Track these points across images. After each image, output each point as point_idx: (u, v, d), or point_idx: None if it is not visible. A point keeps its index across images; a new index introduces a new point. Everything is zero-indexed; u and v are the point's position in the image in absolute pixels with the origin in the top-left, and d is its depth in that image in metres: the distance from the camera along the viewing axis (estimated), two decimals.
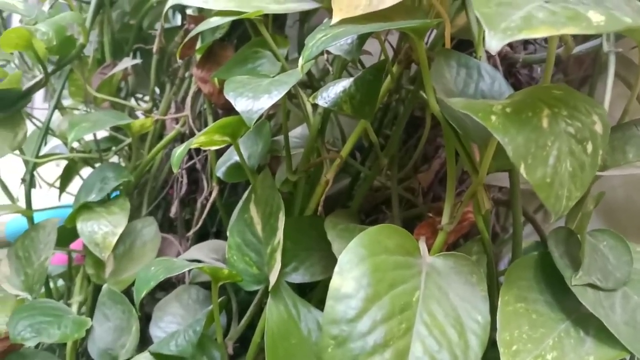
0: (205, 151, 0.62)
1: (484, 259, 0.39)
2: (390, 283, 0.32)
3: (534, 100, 0.29)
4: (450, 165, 0.39)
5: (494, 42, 0.23)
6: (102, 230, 0.56)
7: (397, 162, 0.52)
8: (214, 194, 0.59)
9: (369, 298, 0.31)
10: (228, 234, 0.49)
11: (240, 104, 0.38)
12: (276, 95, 0.38)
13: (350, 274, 0.31)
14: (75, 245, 0.70)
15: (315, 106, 0.48)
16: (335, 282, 0.31)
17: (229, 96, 0.39)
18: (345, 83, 0.39)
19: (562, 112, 0.29)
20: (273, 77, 0.42)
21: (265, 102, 0.38)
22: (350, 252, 0.32)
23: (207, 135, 0.46)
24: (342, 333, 0.30)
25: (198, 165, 0.62)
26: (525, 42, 0.52)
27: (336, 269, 0.32)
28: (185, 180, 0.62)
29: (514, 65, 0.49)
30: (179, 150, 0.44)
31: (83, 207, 0.58)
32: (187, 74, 0.66)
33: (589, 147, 0.28)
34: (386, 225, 0.34)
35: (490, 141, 0.34)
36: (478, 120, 0.28)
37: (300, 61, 0.35)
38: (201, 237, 0.68)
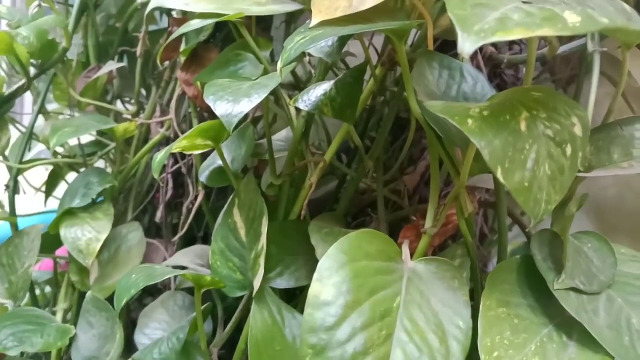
0: (190, 155, 0.62)
1: (468, 262, 0.39)
2: (371, 289, 0.31)
3: (512, 103, 0.28)
4: (434, 168, 0.39)
5: (467, 45, 0.22)
6: (85, 236, 0.55)
7: (382, 164, 0.51)
8: (199, 198, 0.58)
9: (348, 305, 0.30)
10: (212, 239, 0.48)
11: (220, 108, 0.38)
12: (256, 99, 0.37)
13: (329, 281, 0.31)
14: (62, 252, 0.69)
15: (299, 109, 0.48)
16: (314, 289, 0.31)
17: (209, 100, 0.39)
18: (325, 86, 0.38)
19: (541, 114, 0.28)
20: (254, 80, 0.41)
21: (245, 106, 0.37)
22: (330, 258, 0.32)
23: (189, 139, 0.45)
24: (321, 341, 0.29)
25: (184, 169, 0.61)
26: (511, 43, 0.52)
27: (315, 275, 0.31)
28: (170, 185, 0.61)
29: (499, 65, 0.49)
30: (160, 156, 0.44)
31: (66, 213, 0.57)
32: (172, 77, 0.66)
33: (568, 150, 0.28)
34: (367, 230, 0.34)
35: (470, 143, 0.33)
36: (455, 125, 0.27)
37: (279, 64, 0.34)
38: (188, 241, 0.67)
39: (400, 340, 0.30)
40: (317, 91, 0.38)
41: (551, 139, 0.28)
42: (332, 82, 0.38)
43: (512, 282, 0.34)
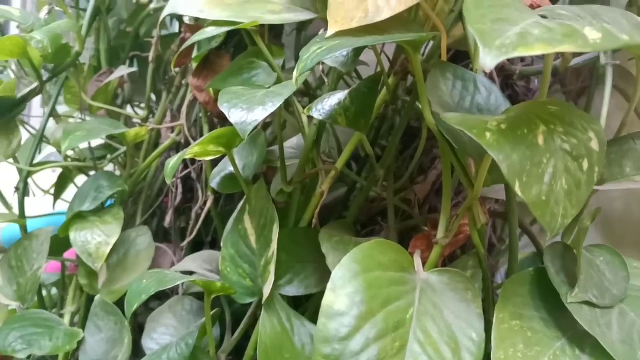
0: (200, 160, 0.62)
1: (480, 274, 0.39)
2: (384, 300, 0.31)
3: (529, 117, 0.29)
4: (446, 179, 0.39)
5: (489, 60, 0.22)
6: (95, 240, 0.55)
7: (393, 173, 0.51)
8: (208, 204, 0.58)
9: (362, 316, 0.30)
10: (222, 245, 0.48)
11: (235, 116, 0.38)
12: (271, 107, 0.38)
13: (343, 291, 0.31)
14: (70, 254, 0.69)
15: (310, 117, 0.48)
16: (328, 299, 0.31)
17: (223, 107, 0.39)
18: (340, 95, 0.38)
19: (558, 128, 0.28)
20: (268, 88, 0.41)
21: (259, 114, 0.38)
22: (343, 268, 0.32)
23: (201, 146, 0.46)
24: (334, 352, 0.29)
25: (193, 175, 0.62)
26: None
27: (329, 285, 0.31)
28: (180, 190, 0.62)
29: (511, 77, 0.49)
30: (173, 161, 0.44)
31: (76, 217, 0.58)
32: (183, 82, 0.66)
33: (585, 165, 0.28)
34: (380, 241, 0.34)
35: (485, 155, 0.33)
36: (473, 138, 0.27)
37: (295, 74, 0.34)
38: (196, 246, 0.67)
39: (413, 352, 0.30)
40: (332, 101, 0.38)
41: (568, 153, 0.28)
42: (346, 92, 0.38)
43: (525, 294, 0.34)
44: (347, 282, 0.31)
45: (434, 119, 0.36)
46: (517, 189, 0.26)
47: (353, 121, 0.38)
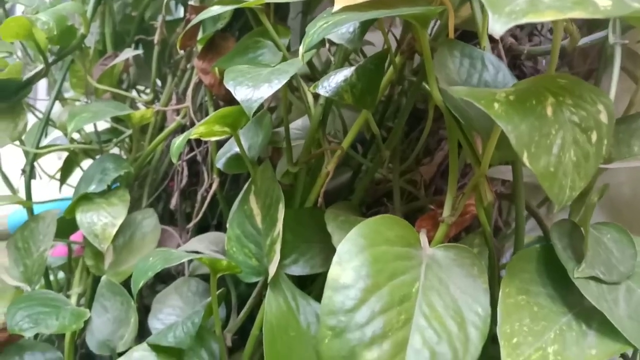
0: (206, 143, 0.62)
1: (486, 252, 0.39)
2: (390, 274, 0.31)
3: (538, 89, 0.28)
4: (453, 156, 0.39)
5: (498, 26, 0.22)
6: (101, 221, 0.56)
7: (399, 154, 0.51)
8: (214, 186, 0.58)
9: (368, 289, 0.30)
10: (228, 225, 0.48)
11: (240, 93, 0.38)
12: (276, 84, 0.37)
13: (349, 264, 0.31)
14: (76, 237, 0.70)
15: (316, 97, 0.48)
16: (334, 272, 0.31)
17: (229, 85, 0.39)
18: (346, 72, 0.38)
19: (567, 100, 0.28)
20: (274, 66, 0.41)
21: (265, 91, 0.37)
22: (349, 242, 0.32)
23: (207, 126, 0.46)
24: (340, 324, 0.29)
25: (199, 157, 0.62)
26: (530, 34, 0.51)
27: (335, 258, 0.31)
28: (185, 172, 0.62)
29: (519, 57, 0.49)
30: (178, 141, 0.44)
31: (82, 198, 0.58)
32: (188, 66, 0.66)
33: (594, 137, 0.28)
34: (387, 216, 0.34)
35: (493, 131, 0.33)
36: (481, 108, 0.27)
37: (301, 49, 0.34)
38: (202, 229, 0.67)
39: (419, 325, 0.30)
40: (338, 77, 0.38)
41: (577, 125, 0.28)
42: (352, 68, 0.38)
43: (532, 271, 0.34)
44: (353, 255, 0.31)
45: (441, 96, 0.36)
46: (525, 159, 0.26)
47: (359, 98, 0.37)
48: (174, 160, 0.42)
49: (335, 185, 0.60)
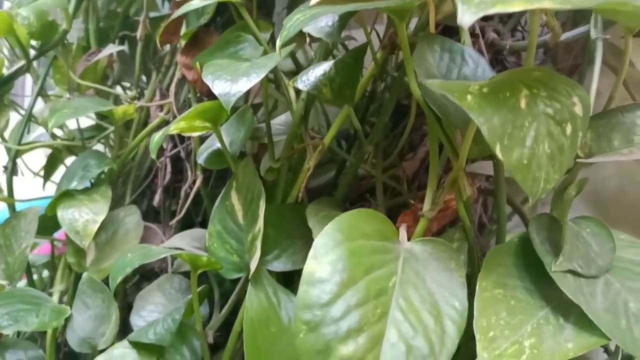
0: (189, 139, 0.61)
1: (466, 246, 0.39)
2: (367, 268, 0.31)
3: (512, 81, 0.28)
4: (433, 150, 0.38)
5: (467, 16, 0.22)
6: (83, 217, 0.55)
7: (382, 150, 0.51)
8: (197, 183, 0.58)
9: (344, 283, 0.30)
10: (209, 221, 0.48)
11: (218, 87, 0.38)
12: (255, 78, 0.37)
13: (325, 258, 0.31)
14: (61, 235, 0.69)
15: (298, 92, 0.47)
16: (310, 267, 0.30)
17: (207, 79, 0.39)
18: (325, 66, 0.38)
19: (541, 92, 0.28)
20: (253, 61, 0.41)
21: (243, 85, 0.37)
22: (326, 236, 0.31)
23: (187, 121, 0.45)
24: (315, 318, 0.29)
25: (182, 154, 0.61)
26: (513, 30, 0.51)
27: (310, 253, 0.31)
28: (169, 169, 0.61)
29: (501, 52, 0.49)
30: (157, 136, 0.43)
31: (64, 195, 0.57)
32: (173, 62, 0.65)
33: (568, 129, 0.28)
34: (364, 210, 0.34)
35: (469, 125, 0.33)
36: (454, 101, 0.27)
37: (278, 43, 0.34)
38: (186, 227, 0.67)
39: (395, 319, 0.30)
40: (317, 71, 0.38)
41: (551, 117, 0.27)
42: (331, 62, 0.38)
43: (509, 264, 0.34)
44: (330, 250, 0.31)
45: (420, 90, 0.36)
46: (498, 152, 0.26)
47: (338, 92, 0.37)
48: (153, 156, 0.42)
49: (319, 183, 0.60)
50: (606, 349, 0.53)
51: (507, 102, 0.27)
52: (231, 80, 0.38)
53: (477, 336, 0.30)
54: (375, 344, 0.29)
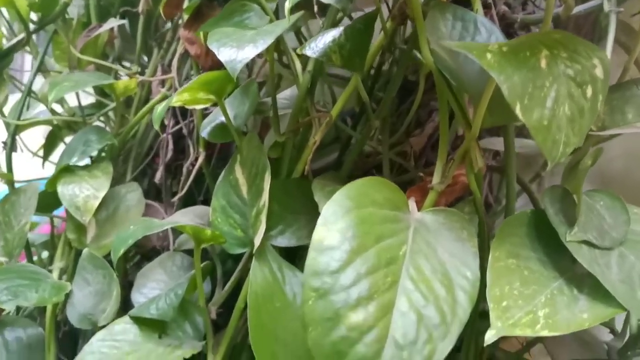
0: (192, 116, 0.60)
1: (476, 220, 0.38)
2: (377, 236, 0.30)
3: (532, 42, 0.27)
4: (443, 121, 0.37)
5: None
6: (83, 193, 0.54)
7: (389, 126, 0.50)
8: (200, 160, 0.57)
9: (353, 250, 0.29)
10: (213, 196, 0.47)
11: (224, 54, 0.37)
12: (262, 45, 0.36)
13: (334, 226, 0.30)
14: (61, 214, 0.68)
15: (305, 65, 0.46)
16: (319, 234, 0.30)
17: (212, 46, 0.38)
18: (335, 32, 0.37)
19: (562, 54, 0.27)
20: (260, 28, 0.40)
21: (250, 52, 0.36)
22: (335, 203, 0.31)
23: (191, 92, 0.44)
24: (324, 285, 0.28)
25: (185, 131, 0.60)
26: (524, 3, 0.50)
27: (320, 220, 0.30)
28: (171, 146, 0.60)
29: (512, 25, 0.48)
30: (160, 108, 0.42)
31: (64, 170, 0.56)
32: (175, 37, 0.64)
33: (589, 92, 0.27)
34: (374, 178, 0.33)
35: (484, 93, 0.32)
36: (472, 64, 0.26)
37: (287, 5, 0.33)
38: (188, 206, 0.66)
39: (405, 288, 0.29)
40: (326, 38, 0.37)
41: (572, 79, 0.27)
42: (341, 29, 0.37)
43: (522, 235, 0.33)
44: (339, 217, 0.30)
45: (432, 58, 0.35)
46: (518, 111, 0.25)
47: (348, 59, 0.36)
48: (156, 126, 0.41)
49: (324, 164, 0.59)
50: (612, 330, 0.52)
51: (528, 61, 0.26)
52: (237, 47, 0.37)
53: (491, 305, 0.29)
54: (386, 313, 0.28)
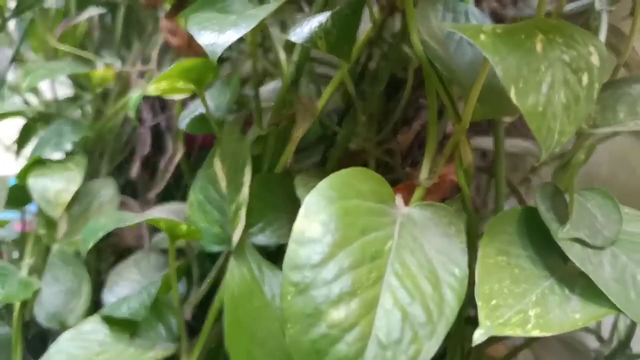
0: (171, 109, 0.58)
1: (464, 218, 0.36)
2: (361, 229, 0.29)
3: (527, 26, 0.26)
4: (432, 114, 0.36)
5: None
6: (55, 186, 0.52)
7: (375, 123, 0.49)
8: (178, 155, 0.55)
9: (336, 243, 0.28)
10: (190, 191, 0.45)
11: (204, 37, 0.35)
12: (244, 29, 0.34)
13: (317, 217, 0.28)
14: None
15: (289, 55, 0.45)
16: (300, 225, 0.28)
17: (192, 30, 0.36)
18: (321, 18, 0.35)
19: (558, 39, 0.26)
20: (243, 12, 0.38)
21: (231, 36, 0.34)
22: (318, 193, 0.29)
23: (169, 81, 0.42)
24: (305, 279, 0.27)
25: (163, 125, 0.58)
26: (514, 2, 0.49)
27: (301, 211, 0.28)
28: (148, 141, 0.58)
29: (503, 22, 0.47)
30: (136, 95, 0.40)
31: (36, 163, 0.54)
32: (156, 29, 0.62)
33: (585, 79, 0.26)
34: (360, 169, 0.31)
35: (476, 81, 0.31)
36: (465, 40, 0.25)
37: None
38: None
39: (390, 284, 0.27)
40: (312, 23, 0.35)
41: (568, 65, 0.25)
42: (328, 13, 0.35)
43: (512, 232, 0.31)
44: (322, 208, 0.28)
45: (422, 47, 0.33)
46: (513, 95, 0.23)
47: (334, 46, 0.35)
48: (132, 114, 0.39)
49: (309, 165, 0.57)
50: (599, 336, 0.51)
51: (523, 44, 0.24)
52: (218, 31, 0.35)
53: (479, 304, 0.27)
54: (370, 310, 0.27)
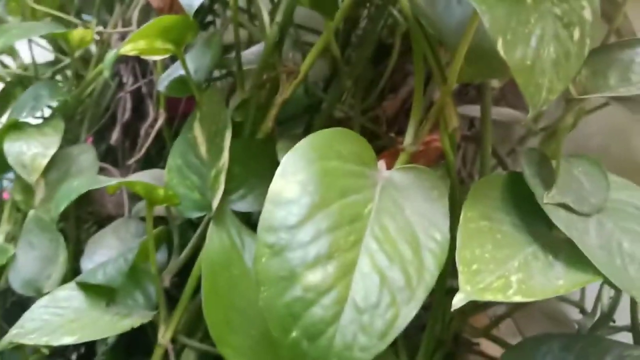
0: (152, 74, 0.56)
1: (448, 183, 0.35)
2: (341, 191, 0.28)
3: None
4: (418, 77, 0.35)
5: None
6: (31, 151, 0.50)
7: (361, 90, 0.48)
8: (160, 121, 0.53)
9: (314, 204, 0.27)
10: (169, 156, 0.44)
11: None
12: None
13: (294, 177, 0.27)
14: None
15: (272, 16, 0.43)
16: (277, 186, 0.27)
17: None
18: None
19: None
20: None
21: None
22: (296, 152, 0.28)
23: (147, 40, 0.41)
24: (280, 241, 0.26)
25: (144, 90, 0.56)
26: None
27: (278, 171, 0.27)
28: (129, 105, 0.56)
29: None
30: (111, 54, 0.39)
31: (12, 127, 0.52)
32: None
33: (576, 34, 0.24)
34: (342, 129, 0.30)
35: (462, 40, 0.29)
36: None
37: None
38: None
39: (369, 248, 0.27)
40: None
41: (559, 18, 0.24)
42: None
43: (496, 197, 0.31)
44: (300, 168, 0.27)
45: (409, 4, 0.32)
46: (500, 47, 0.22)
47: (318, 0, 0.33)
48: (105, 73, 0.37)
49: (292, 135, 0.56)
50: (582, 309, 0.51)
51: None
52: None
53: (460, 268, 0.26)
54: (347, 273, 0.26)
